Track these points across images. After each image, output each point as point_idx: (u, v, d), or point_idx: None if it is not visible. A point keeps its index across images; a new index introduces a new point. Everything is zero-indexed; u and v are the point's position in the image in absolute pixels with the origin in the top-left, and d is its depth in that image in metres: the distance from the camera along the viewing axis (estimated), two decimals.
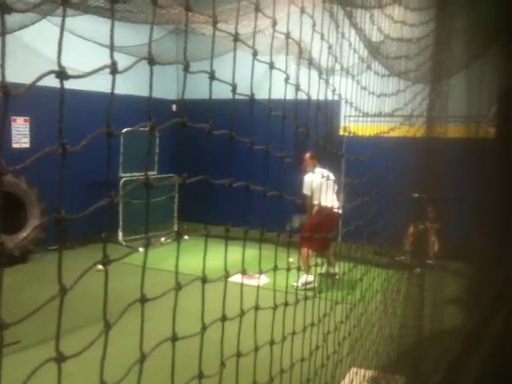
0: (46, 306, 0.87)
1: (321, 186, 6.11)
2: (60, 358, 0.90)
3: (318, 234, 5.63)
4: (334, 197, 6.39)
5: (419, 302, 3.84)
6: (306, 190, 6.56)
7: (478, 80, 4.89)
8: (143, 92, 8.92)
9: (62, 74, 0.86)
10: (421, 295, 3.85)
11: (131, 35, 7.19)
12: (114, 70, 0.95)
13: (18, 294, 5.59)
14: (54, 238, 6.87)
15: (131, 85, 8.13)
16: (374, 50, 2.96)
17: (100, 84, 5.98)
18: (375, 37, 2.80)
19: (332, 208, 5.66)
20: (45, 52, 7.86)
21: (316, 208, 6.65)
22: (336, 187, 6.25)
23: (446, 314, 4.44)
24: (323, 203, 5.71)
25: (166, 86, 10.34)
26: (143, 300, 1.09)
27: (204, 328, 1.32)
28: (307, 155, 6.87)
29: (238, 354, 1.50)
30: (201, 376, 1.31)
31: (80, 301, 4.02)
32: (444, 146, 4.62)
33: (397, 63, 3.30)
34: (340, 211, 5.85)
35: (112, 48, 0.96)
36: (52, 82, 1.07)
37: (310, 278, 6.10)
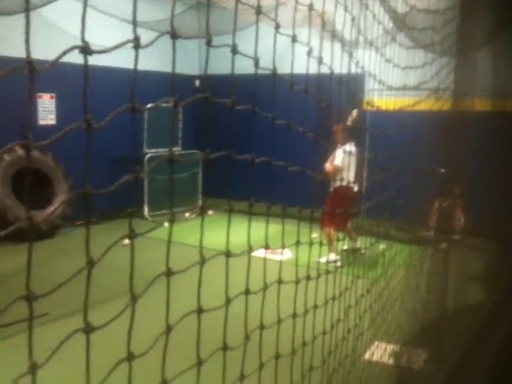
0: (71, 279, 0.89)
1: (348, 164, 6.09)
2: (88, 329, 0.92)
3: (337, 211, 5.61)
4: (352, 174, 6.35)
5: (443, 277, 3.82)
6: (338, 162, 6.53)
7: (506, 54, 4.76)
8: (165, 68, 8.88)
9: (85, 49, 0.87)
10: (445, 271, 3.82)
11: (150, 9, 7.14)
12: (137, 44, 0.95)
13: (45, 267, 5.71)
14: (80, 214, 6.99)
15: (152, 60, 8.12)
16: (399, 21, 2.89)
17: (120, 59, 6.00)
18: (400, 8, 2.73)
19: (348, 185, 5.61)
20: (66, 28, 7.88)
21: (336, 185, 6.56)
22: (355, 162, 6.21)
23: (470, 290, 4.41)
24: (344, 181, 5.66)
25: (189, 62, 10.29)
26: (169, 273, 1.11)
27: (228, 301, 1.34)
28: (339, 127, 6.66)
29: (262, 327, 1.52)
30: (225, 348, 1.34)
31: (105, 274, 4.08)
32: (471, 120, 4.52)
33: (423, 35, 3.22)
34: (356, 188, 5.82)
35: (135, 22, 0.96)
36: (77, 58, 1.07)
37: (333, 256, 6.09)
